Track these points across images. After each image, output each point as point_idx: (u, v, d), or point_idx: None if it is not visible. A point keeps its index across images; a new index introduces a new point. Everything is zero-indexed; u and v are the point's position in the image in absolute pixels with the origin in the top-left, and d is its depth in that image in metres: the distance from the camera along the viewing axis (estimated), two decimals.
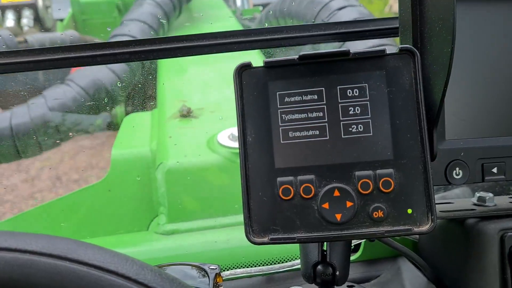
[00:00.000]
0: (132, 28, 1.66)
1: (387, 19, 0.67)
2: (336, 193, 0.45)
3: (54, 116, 1.49)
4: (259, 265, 0.80)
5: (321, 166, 0.45)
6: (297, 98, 0.46)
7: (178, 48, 0.64)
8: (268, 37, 0.65)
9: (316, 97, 0.46)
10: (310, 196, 0.45)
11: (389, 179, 0.44)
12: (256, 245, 0.45)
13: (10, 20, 2.22)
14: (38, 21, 2.33)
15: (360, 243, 0.79)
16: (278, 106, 0.46)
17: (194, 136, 1.17)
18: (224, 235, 0.89)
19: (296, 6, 1.79)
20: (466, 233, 0.60)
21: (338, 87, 0.45)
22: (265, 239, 0.45)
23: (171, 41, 0.65)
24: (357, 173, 0.45)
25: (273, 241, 0.45)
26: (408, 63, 0.45)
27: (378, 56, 0.45)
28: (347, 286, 0.67)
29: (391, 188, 0.44)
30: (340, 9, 1.61)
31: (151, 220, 1.10)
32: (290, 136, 0.46)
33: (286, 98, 0.46)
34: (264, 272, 0.77)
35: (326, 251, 0.54)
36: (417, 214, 0.44)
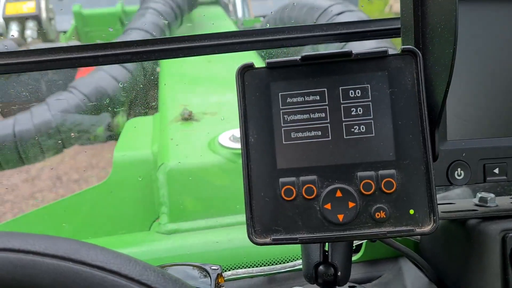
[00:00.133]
0: (134, 37, 1.68)
1: (389, 19, 0.67)
2: (338, 194, 0.45)
3: (57, 123, 1.50)
4: (261, 266, 0.80)
5: (323, 166, 0.45)
6: (299, 99, 0.46)
7: (179, 48, 0.65)
8: (270, 37, 0.65)
9: (318, 97, 0.46)
10: (312, 196, 0.45)
11: (391, 179, 0.44)
12: (258, 246, 0.45)
13: (14, 31, 2.25)
14: (42, 32, 2.35)
15: (361, 244, 0.79)
16: (280, 107, 0.46)
17: (195, 138, 1.17)
18: (226, 235, 0.90)
19: (296, 12, 1.81)
20: (468, 234, 0.60)
21: (340, 87, 0.46)
22: (267, 240, 0.45)
23: (173, 42, 0.65)
24: (359, 173, 0.45)
25: (275, 242, 0.45)
26: (410, 64, 0.45)
27: (380, 57, 0.45)
28: (349, 286, 0.68)
29: (393, 189, 0.44)
30: (339, 14, 1.63)
31: (152, 222, 1.10)
32: (292, 136, 0.46)
33: (288, 98, 0.46)
34: (265, 273, 0.77)
35: (327, 251, 0.54)
36: (419, 214, 0.44)
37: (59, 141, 1.54)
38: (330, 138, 0.45)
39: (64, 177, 2.59)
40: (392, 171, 0.44)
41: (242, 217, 0.45)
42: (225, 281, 0.65)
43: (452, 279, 0.65)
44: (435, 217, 0.44)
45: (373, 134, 0.45)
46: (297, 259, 0.80)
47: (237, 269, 0.79)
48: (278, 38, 0.65)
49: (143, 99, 1.45)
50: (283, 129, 0.46)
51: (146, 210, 1.11)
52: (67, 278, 0.33)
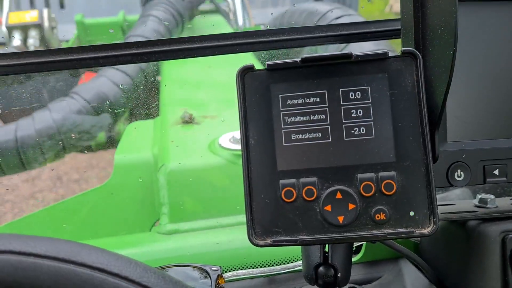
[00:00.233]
0: None
1: (389, 21, 0.67)
2: (339, 196, 0.45)
3: (58, 128, 1.50)
4: (261, 267, 0.80)
5: (323, 168, 0.45)
6: (300, 101, 0.46)
7: (179, 50, 0.65)
8: (270, 39, 0.65)
9: (318, 99, 0.46)
10: (312, 198, 0.45)
11: (391, 181, 0.44)
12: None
13: (16, 40, 2.26)
14: (44, 41, 2.36)
15: (361, 245, 0.79)
16: (281, 109, 0.46)
17: (195, 140, 1.18)
18: (226, 236, 0.90)
19: (296, 18, 1.83)
20: (468, 235, 0.60)
21: (340, 89, 0.46)
22: (268, 241, 0.45)
23: (173, 43, 0.65)
24: (359, 175, 0.45)
25: (276, 244, 0.45)
26: (410, 65, 0.45)
27: (380, 59, 0.45)
28: (349, 287, 0.68)
29: (393, 191, 0.44)
30: (337, 18, 1.65)
31: (153, 223, 1.11)
32: (292, 138, 0.46)
33: (288, 100, 0.46)
34: (265, 274, 0.77)
35: (328, 252, 0.54)
36: (419, 216, 0.44)
37: (60, 147, 1.54)
38: (330, 140, 0.45)
39: (65, 177, 2.60)
40: (392, 173, 0.44)
41: (242, 217, 0.46)
42: (225, 282, 0.65)
43: (452, 280, 0.65)
44: (435, 219, 0.44)
45: (373, 136, 0.45)
46: (297, 260, 0.80)
47: (237, 270, 0.79)
48: (278, 39, 0.65)
49: (144, 107, 1.46)
50: (283, 130, 0.46)
51: (147, 212, 1.12)
52: (68, 280, 0.33)
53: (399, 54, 0.45)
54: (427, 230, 0.44)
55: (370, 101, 0.45)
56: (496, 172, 0.53)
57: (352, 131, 0.45)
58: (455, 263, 0.64)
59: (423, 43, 0.50)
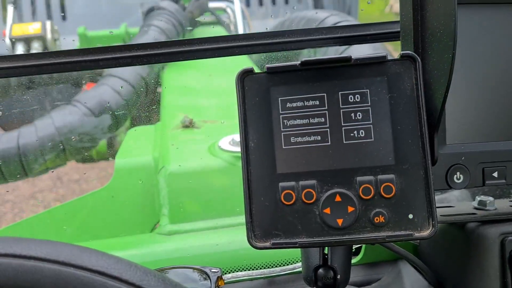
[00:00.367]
0: None
1: (388, 23, 0.67)
2: (338, 198, 0.45)
3: (60, 136, 1.51)
4: (261, 268, 0.80)
5: (322, 171, 0.45)
6: (299, 104, 0.46)
7: (179, 52, 0.65)
8: (270, 41, 0.65)
9: (318, 102, 0.46)
10: (311, 201, 0.45)
11: (390, 184, 0.44)
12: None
13: (20, 51, 2.28)
14: None
15: (361, 247, 0.79)
16: (280, 112, 0.46)
17: (195, 143, 1.19)
18: (226, 237, 0.90)
19: (295, 26, 1.84)
20: (467, 237, 0.60)
21: (339, 92, 0.46)
22: (267, 244, 0.45)
23: (173, 45, 0.65)
24: (359, 178, 0.45)
25: (275, 246, 0.45)
26: (409, 68, 0.45)
27: (379, 62, 0.45)
28: None
29: (392, 194, 0.44)
30: (335, 24, 1.68)
31: (153, 226, 1.11)
32: (292, 141, 0.46)
33: (288, 103, 0.46)
34: (265, 275, 0.77)
35: (327, 254, 0.54)
36: (418, 219, 0.44)
37: (62, 154, 1.55)
38: (329, 143, 0.46)
39: (65, 177, 2.60)
40: (391, 175, 0.45)
41: (242, 219, 0.46)
42: (225, 283, 0.66)
43: (451, 282, 0.65)
44: (434, 222, 0.44)
45: (373, 139, 0.45)
46: (297, 262, 0.80)
47: (237, 271, 0.79)
48: (278, 41, 0.66)
49: (145, 118, 1.48)
50: (282, 133, 0.46)
51: (147, 215, 1.12)
52: (68, 283, 0.33)
53: (398, 58, 0.46)
54: (426, 233, 0.44)
55: (369, 104, 0.45)
56: (495, 174, 0.53)
57: (352, 134, 0.45)
58: (454, 265, 0.64)
59: (422, 46, 0.50)
